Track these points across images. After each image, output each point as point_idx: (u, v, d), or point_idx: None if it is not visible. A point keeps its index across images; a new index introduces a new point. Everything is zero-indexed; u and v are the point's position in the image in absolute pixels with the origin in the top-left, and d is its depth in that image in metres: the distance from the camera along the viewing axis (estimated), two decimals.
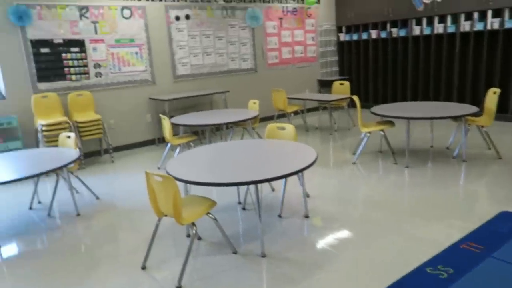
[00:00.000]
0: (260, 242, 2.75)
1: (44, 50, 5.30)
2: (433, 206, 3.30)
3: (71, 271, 2.65)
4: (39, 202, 4.08)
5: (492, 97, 4.47)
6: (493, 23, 6.19)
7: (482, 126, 4.55)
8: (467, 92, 6.73)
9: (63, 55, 5.45)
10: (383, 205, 3.40)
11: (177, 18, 6.42)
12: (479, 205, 3.26)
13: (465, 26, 6.53)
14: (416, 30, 7.23)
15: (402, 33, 7.43)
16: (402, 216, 3.15)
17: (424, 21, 7.08)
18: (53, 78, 5.43)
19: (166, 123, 4.62)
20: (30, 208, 3.93)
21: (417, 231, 2.87)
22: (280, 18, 7.70)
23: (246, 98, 7.21)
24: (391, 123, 4.67)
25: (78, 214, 3.64)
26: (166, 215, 2.50)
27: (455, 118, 4.39)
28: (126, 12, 5.88)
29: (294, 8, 7.87)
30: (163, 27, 6.31)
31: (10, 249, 3.06)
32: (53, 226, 3.42)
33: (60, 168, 3.17)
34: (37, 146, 5.15)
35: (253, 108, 5.25)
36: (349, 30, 8.46)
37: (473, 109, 4.31)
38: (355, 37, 8.32)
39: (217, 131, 6.98)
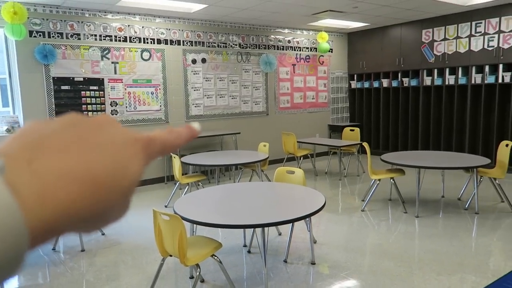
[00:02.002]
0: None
1: (65, 87, 5.51)
2: (444, 259, 3.19)
3: None
4: None
5: (504, 149, 4.44)
6: (504, 76, 6.27)
7: (495, 179, 4.49)
8: (479, 143, 6.70)
9: (82, 92, 5.65)
10: (392, 255, 3.31)
11: (194, 61, 6.67)
12: (493, 260, 3.15)
13: (476, 78, 6.62)
14: (427, 81, 7.35)
15: (414, 82, 7.55)
16: (412, 268, 3.05)
17: (435, 72, 7.21)
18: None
19: (176, 162, 4.67)
20: None
21: (427, 285, 2.77)
22: (293, 65, 7.93)
23: (257, 141, 7.26)
24: (401, 171, 4.63)
25: (83, 250, 3.61)
26: (171, 255, 2.47)
27: (467, 169, 4.35)
28: (146, 54, 6.14)
29: (307, 56, 8.12)
30: (180, 69, 6.54)
31: (12, 283, 3.02)
32: (57, 261, 3.39)
33: None
34: None
35: (263, 150, 5.29)
36: (360, 78, 8.64)
37: (485, 160, 4.27)
38: (366, 84, 8.48)
39: (226, 171, 7.00)
